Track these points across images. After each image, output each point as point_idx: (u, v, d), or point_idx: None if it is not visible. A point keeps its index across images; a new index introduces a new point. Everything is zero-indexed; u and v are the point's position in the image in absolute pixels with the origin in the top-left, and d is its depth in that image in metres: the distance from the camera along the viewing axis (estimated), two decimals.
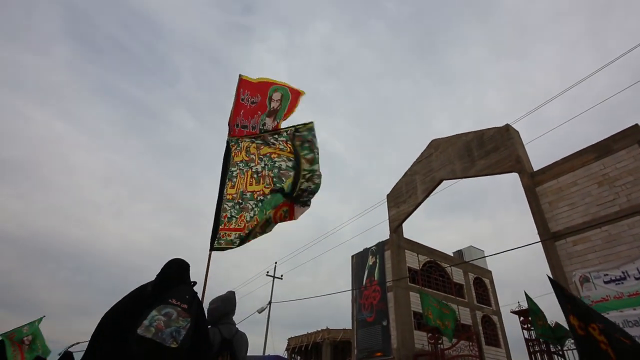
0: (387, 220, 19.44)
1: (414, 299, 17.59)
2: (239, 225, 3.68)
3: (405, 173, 19.51)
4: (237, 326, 2.89)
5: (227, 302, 2.85)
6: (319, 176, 3.50)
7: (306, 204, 3.52)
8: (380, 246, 19.23)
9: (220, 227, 3.71)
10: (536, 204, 12.86)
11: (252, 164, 3.91)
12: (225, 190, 3.91)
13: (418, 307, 17.58)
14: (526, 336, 12.04)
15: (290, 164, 3.68)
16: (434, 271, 19.78)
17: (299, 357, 32.38)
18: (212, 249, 3.60)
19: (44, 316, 7.32)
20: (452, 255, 22.26)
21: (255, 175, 3.84)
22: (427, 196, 17.69)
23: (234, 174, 4.00)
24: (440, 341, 14.93)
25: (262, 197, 3.66)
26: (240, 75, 4.26)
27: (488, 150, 15.39)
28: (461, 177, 16.22)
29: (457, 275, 20.62)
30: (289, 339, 33.11)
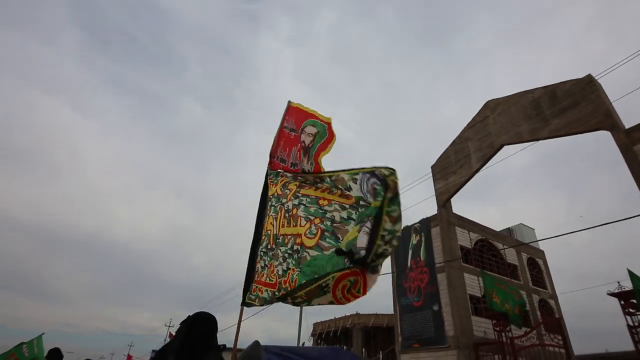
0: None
1: (468, 281, 15.60)
2: (270, 280, 3.05)
3: (454, 141, 17.28)
4: None
5: (251, 356, 2.33)
6: (399, 237, 2.47)
7: (376, 270, 2.51)
8: (425, 223, 17.18)
9: (255, 279, 3.23)
10: (638, 165, 10.61)
11: (284, 200, 3.26)
12: (263, 233, 3.44)
13: (474, 290, 15.62)
14: (630, 322, 9.98)
15: (344, 214, 2.77)
16: (486, 250, 17.71)
17: (324, 344, 30.87)
18: (243, 303, 3.23)
19: (44, 333, 6.23)
20: (499, 233, 20.09)
21: (287, 214, 3.14)
22: (484, 164, 15.50)
23: (271, 211, 3.48)
24: (508, 328, 12.95)
25: (297, 247, 2.87)
26: (289, 102, 3.87)
27: (564, 107, 13.06)
28: (529, 141, 13.96)
29: (509, 255, 18.52)
30: (315, 324, 31.60)
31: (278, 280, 2.92)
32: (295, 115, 3.75)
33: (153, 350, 46.75)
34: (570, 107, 12.82)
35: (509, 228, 21.23)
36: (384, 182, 2.41)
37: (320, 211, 2.90)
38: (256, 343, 2.51)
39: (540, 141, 13.87)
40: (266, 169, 3.74)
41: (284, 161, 3.67)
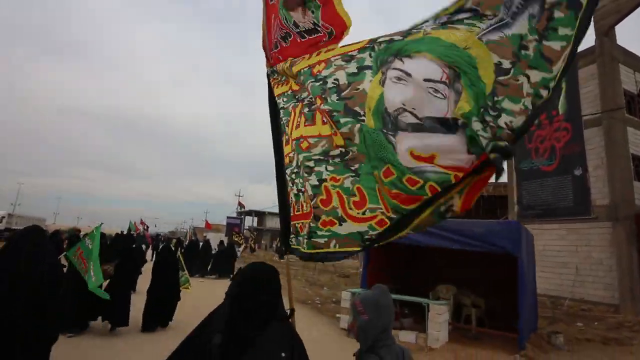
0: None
1: (632, 138, 11.61)
2: (306, 208, 2.05)
3: None
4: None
5: (381, 310, 1.64)
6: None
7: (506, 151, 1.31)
8: None
9: (295, 213, 2.27)
10: None
11: (304, 94, 2.16)
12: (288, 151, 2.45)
13: (638, 150, 11.74)
14: None
15: (352, 66, 1.81)
16: None
17: None
18: (285, 251, 2.28)
19: (102, 223, 6.35)
20: None
21: (305, 109, 2.10)
22: None
23: (283, 119, 2.45)
24: None
25: (340, 150, 1.83)
26: None
27: None
28: None
29: None
30: None
31: (310, 203, 1.93)
32: None
33: (228, 217, 50.84)
34: None
35: None
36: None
37: (317, 84, 1.92)
38: (383, 290, 1.74)
39: None
40: (265, 71, 2.63)
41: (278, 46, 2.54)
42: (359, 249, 1.71)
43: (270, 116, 2.69)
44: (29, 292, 2.53)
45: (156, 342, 5.84)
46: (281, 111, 2.48)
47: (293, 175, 2.42)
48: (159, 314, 6.63)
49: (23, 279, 2.54)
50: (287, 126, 2.37)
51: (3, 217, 33.62)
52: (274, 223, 57.12)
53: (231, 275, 16.48)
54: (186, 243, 20.19)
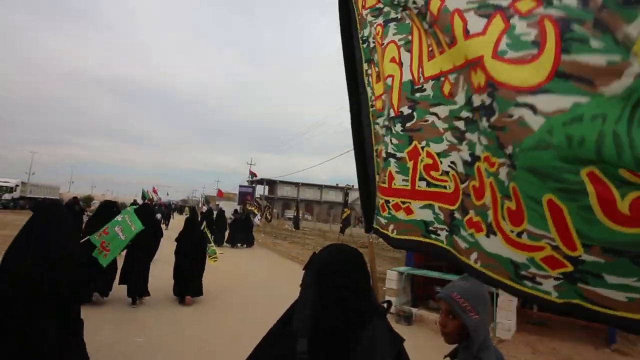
0: None
1: None
2: (422, 184, 1.41)
3: None
4: None
5: (488, 308, 1.46)
6: None
7: None
8: None
9: (378, 182, 1.72)
10: None
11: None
12: (367, 89, 1.86)
13: None
14: None
15: None
16: None
17: None
18: (370, 228, 1.81)
19: (135, 204, 6.86)
20: None
21: (440, 40, 1.22)
22: None
23: (371, 38, 1.75)
24: None
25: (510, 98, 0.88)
26: None
27: None
28: None
29: None
30: None
31: (459, 186, 1.23)
32: None
33: (240, 185, 50.59)
34: None
35: None
36: None
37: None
38: (478, 281, 1.37)
39: None
40: None
41: None
42: (511, 283, 1.01)
43: (341, 28, 1.95)
44: (29, 292, 2.46)
45: (188, 314, 5.81)
46: (374, 20, 1.70)
47: (383, 130, 1.67)
48: (186, 285, 6.55)
49: (23, 279, 2.50)
50: (407, 51, 1.53)
51: (17, 185, 33.60)
52: (285, 192, 56.83)
53: (247, 245, 16.06)
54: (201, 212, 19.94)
